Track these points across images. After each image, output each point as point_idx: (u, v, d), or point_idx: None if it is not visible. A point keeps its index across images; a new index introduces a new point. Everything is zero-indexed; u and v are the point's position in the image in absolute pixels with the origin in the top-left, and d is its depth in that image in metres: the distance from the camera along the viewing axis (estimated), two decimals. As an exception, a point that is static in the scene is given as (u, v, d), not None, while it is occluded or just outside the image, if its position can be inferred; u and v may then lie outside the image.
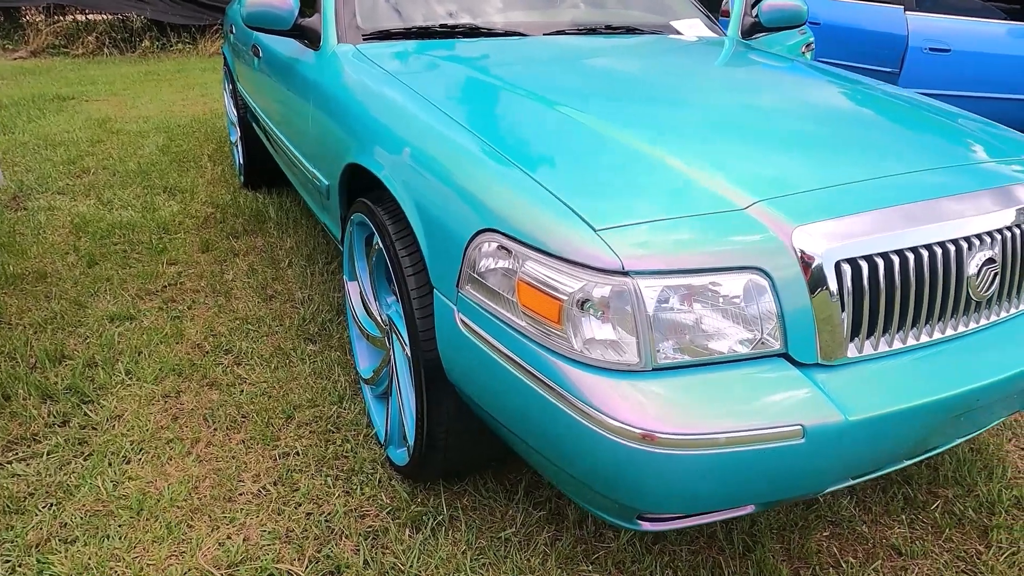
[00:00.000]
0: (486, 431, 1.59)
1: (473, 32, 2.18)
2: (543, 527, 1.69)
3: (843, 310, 1.17)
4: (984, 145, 1.54)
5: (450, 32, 2.17)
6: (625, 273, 1.10)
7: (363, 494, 1.78)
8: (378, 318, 1.86)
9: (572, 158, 1.33)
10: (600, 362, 1.12)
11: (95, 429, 2.00)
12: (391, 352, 1.79)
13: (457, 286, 1.34)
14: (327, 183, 2.05)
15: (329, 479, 1.82)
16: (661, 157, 1.33)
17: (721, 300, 1.13)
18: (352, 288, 2.07)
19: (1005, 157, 1.49)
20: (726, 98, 1.68)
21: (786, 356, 1.17)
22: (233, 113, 4.08)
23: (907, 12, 4.09)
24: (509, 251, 1.22)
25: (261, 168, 3.80)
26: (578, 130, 1.43)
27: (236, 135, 4.11)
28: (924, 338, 1.26)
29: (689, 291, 1.12)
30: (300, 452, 1.91)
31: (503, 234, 1.23)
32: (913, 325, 1.25)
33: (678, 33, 2.47)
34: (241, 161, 3.89)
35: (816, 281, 1.15)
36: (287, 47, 2.41)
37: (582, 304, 1.13)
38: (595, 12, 2.43)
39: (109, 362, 2.31)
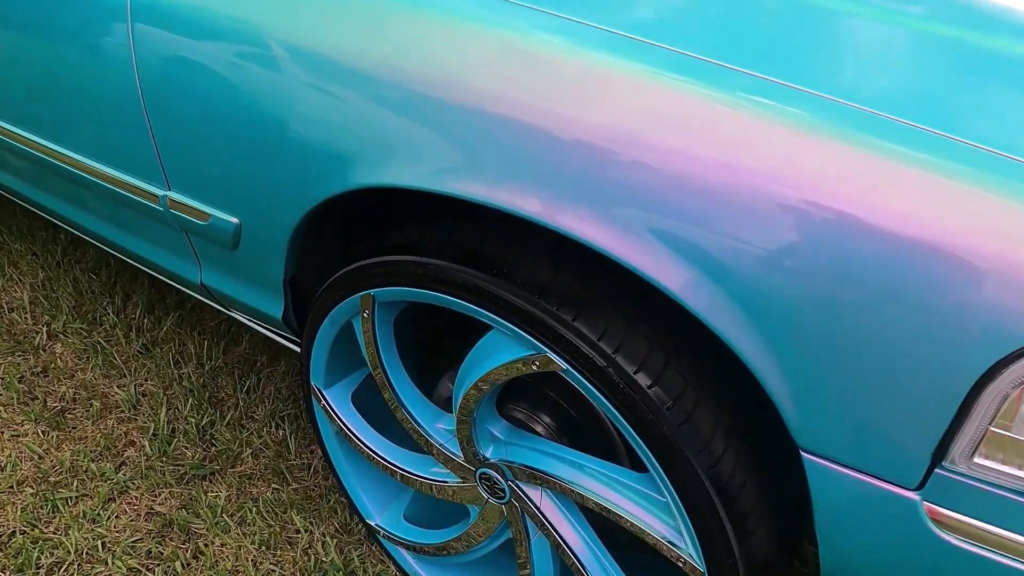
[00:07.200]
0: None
1: None
2: None
3: None
4: None
5: None
6: None
7: None
8: (455, 458, 1.00)
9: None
10: None
11: None
12: (516, 517, 0.97)
13: (936, 459, 0.62)
14: (235, 222, 1.00)
15: None
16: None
17: None
18: (336, 401, 1.12)
19: None
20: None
21: None
22: None
23: None
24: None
25: None
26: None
27: None
28: None
29: None
30: None
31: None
32: None
33: None
34: None
35: None
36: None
37: None
38: None
39: None
